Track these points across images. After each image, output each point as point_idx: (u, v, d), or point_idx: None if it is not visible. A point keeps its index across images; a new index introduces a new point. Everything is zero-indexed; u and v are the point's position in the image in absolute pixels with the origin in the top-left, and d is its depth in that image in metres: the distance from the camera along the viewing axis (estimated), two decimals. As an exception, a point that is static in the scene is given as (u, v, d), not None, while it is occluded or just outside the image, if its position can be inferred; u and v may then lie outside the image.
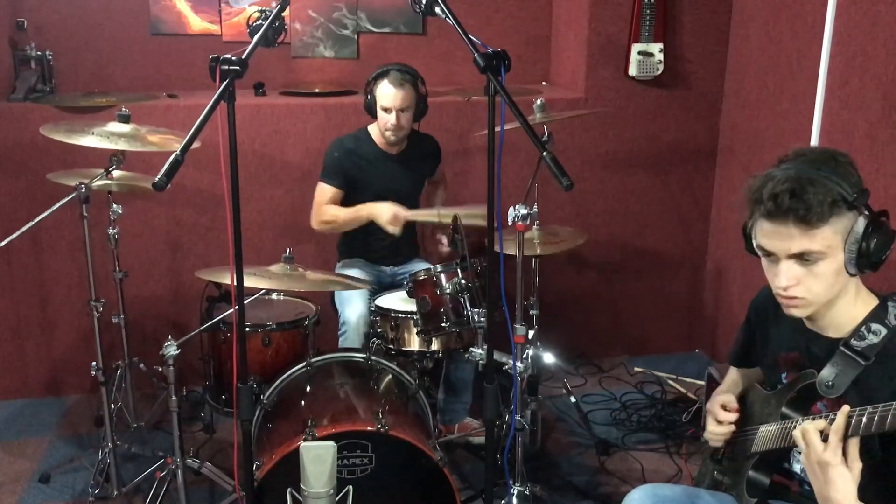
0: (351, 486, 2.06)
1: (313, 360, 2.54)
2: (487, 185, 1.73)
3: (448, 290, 2.56)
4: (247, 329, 2.50)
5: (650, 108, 3.72)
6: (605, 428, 3.33)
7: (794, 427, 1.52)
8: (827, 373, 1.55)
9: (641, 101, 3.70)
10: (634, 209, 3.86)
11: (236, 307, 1.81)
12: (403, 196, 3.08)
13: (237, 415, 1.85)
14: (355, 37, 3.87)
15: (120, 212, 2.90)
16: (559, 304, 3.79)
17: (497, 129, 1.72)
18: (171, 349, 2.44)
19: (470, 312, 2.53)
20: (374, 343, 2.64)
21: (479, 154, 3.63)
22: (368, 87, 3.02)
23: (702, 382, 3.25)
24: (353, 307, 2.87)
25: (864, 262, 1.51)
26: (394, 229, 2.98)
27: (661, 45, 3.56)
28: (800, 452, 1.50)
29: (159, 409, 3.23)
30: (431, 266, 2.71)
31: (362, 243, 3.18)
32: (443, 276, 2.60)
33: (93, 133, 2.67)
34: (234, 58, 1.65)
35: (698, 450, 3.13)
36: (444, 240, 3.12)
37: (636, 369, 3.85)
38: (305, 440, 2.12)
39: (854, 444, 1.40)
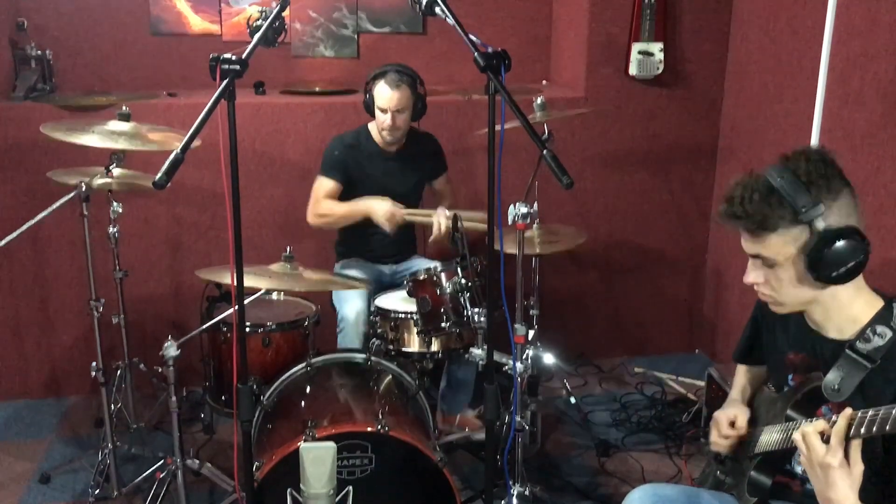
0: (351, 487, 2.07)
1: (313, 360, 2.54)
2: (488, 183, 1.73)
3: (448, 290, 2.56)
4: (247, 329, 2.50)
5: (650, 107, 3.72)
6: (605, 428, 3.33)
7: (796, 429, 1.52)
8: (832, 377, 1.55)
9: (641, 100, 3.70)
10: (634, 208, 3.86)
11: (236, 307, 1.81)
12: (402, 194, 3.07)
13: (237, 415, 1.84)
14: (355, 36, 3.86)
15: (120, 210, 2.89)
16: (559, 304, 3.78)
17: (497, 127, 1.71)
18: (171, 349, 2.44)
19: (470, 312, 2.53)
20: (373, 343, 2.64)
21: (479, 153, 3.63)
22: (368, 86, 3.02)
23: (702, 383, 3.25)
24: (351, 304, 2.87)
25: (818, 276, 1.50)
26: (390, 227, 2.97)
27: (661, 45, 3.56)
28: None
29: (159, 409, 3.23)
30: (431, 266, 2.71)
31: (360, 242, 3.17)
32: (443, 276, 2.59)
33: (93, 132, 2.66)
34: (234, 57, 1.64)
35: (698, 450, 3.13)
36: (437, 227, 2.93)
37: (636, 370, 3.84)
38: (305, 441, 2.12)
39: (856, 446, 1.39)
